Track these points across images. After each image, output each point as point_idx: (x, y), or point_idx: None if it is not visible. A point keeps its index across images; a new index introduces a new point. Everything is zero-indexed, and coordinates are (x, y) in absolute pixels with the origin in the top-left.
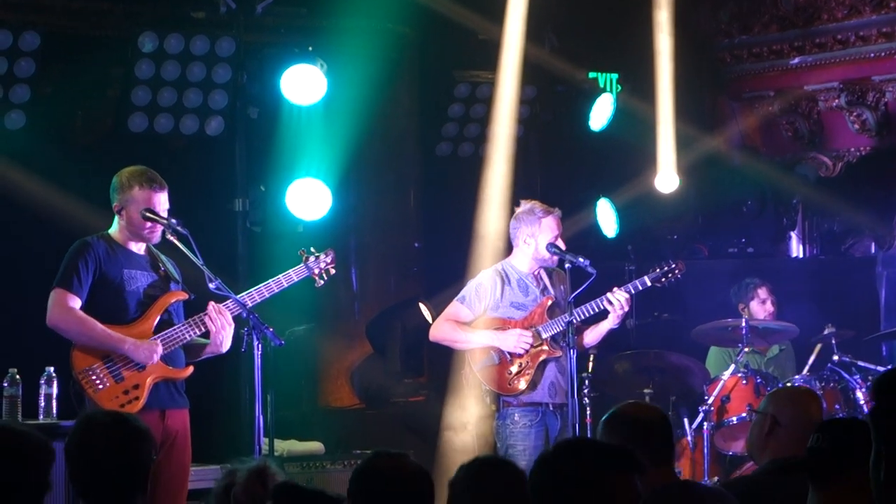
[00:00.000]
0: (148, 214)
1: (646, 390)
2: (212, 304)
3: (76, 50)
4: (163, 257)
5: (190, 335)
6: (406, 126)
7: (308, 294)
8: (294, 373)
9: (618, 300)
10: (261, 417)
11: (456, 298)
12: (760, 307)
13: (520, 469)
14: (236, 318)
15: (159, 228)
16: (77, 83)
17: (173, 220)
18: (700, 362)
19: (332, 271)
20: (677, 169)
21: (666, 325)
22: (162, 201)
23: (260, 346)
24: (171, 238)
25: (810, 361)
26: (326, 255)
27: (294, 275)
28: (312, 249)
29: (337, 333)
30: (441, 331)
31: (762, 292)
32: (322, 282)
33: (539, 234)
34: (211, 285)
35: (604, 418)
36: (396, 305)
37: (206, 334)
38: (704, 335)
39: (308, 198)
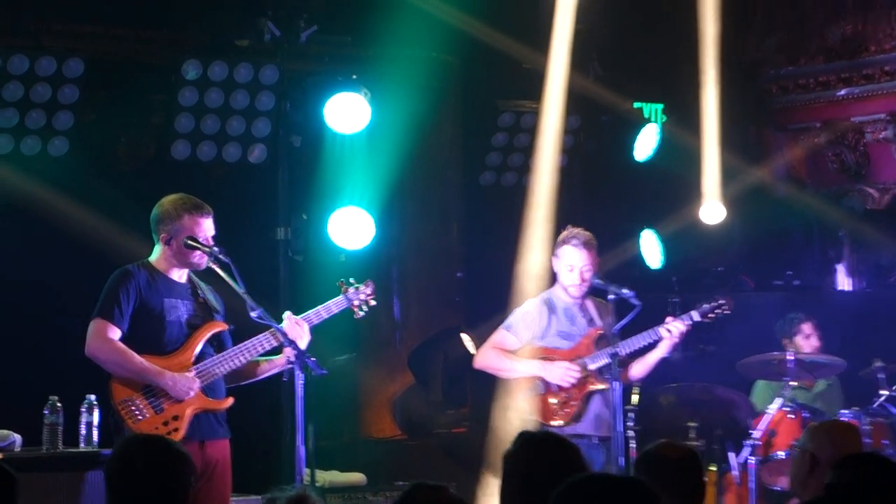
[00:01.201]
0: (190, 242)
1: (691, 423)
2: (288, 313)
3: (119, 77)
4: (203, 285)
5: (238, 363)
6: (449, 155)
7: (350, 323)
8: (336, 403)
9: (676, 328)
10: (302, 447)
11: (502, 326)
12: (805, 342)
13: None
14: (277, 349)
15: (206, 255)
16: (120, 110)
17: (216, 248)
18: (746, 396)
19: (372, 303)
20: (722, 200)
21: (711, 357)
22: (209, 227)
23: (302, 375)
24: (213, 266)
25: None
26: (366, 287)
27: (334, 307)
28: (352, 280)
29: (378, 363)
30: (486, 358)
31: (807, 328)
32: (361, 314)
33: (558, 263)
34: (253, 314)
35: (635, 459)
36: (438, 335)
37: (268, 353)
38: (750, 368)
39: (350, 227)
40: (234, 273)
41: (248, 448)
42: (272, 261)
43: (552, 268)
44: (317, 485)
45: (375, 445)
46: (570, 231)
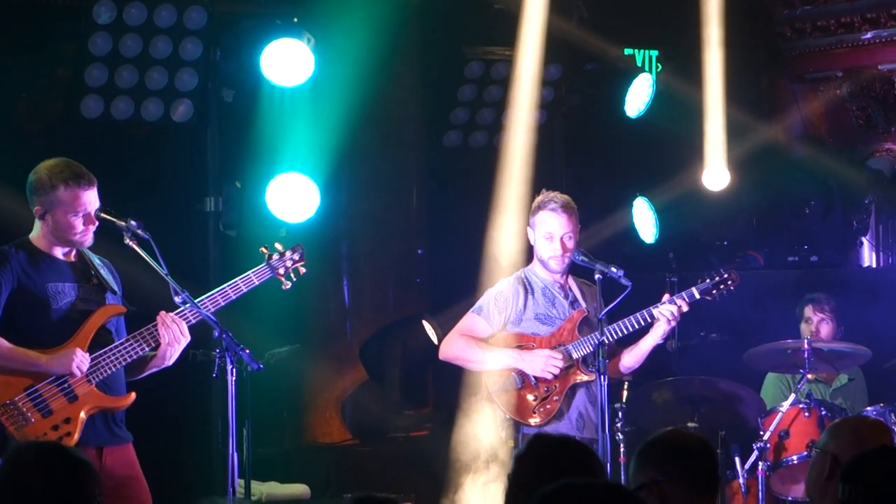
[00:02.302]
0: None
1: (690, 424)
2: (162, 313)
3: (19, 21)
4: (96, 261)
5: (136, 353)
6: (408, 112)
7: (292, 309)
8: (275, 402)
9: (673, 308)
10: (235, 455)
11: (471, 310)
12: (806, 328)
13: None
14: (205, 339)
15: (92, 229)
16: (21, 61)
17: (133, 222)
18: (754, 391)
19: (303, 270)
20: (728, 163)
21: (714, 346)
22: (91, 201)
23: (234, 370)
24: (131, 243)
25: None
26: (293, 252)
27: (255, 277)
28: (277, 245)
29: (326, 356)
30: (453, 347)
31: (808, 310)
32: (289, 283)
33: (534, 234)
34: (177, 299)
35: (637, 449)
36: (396, 323)
37: (157, 347)
38: (759, 359)
39: (292, 196)
40: (156, 251)
41: (171, 456)
42: (200, 236)
43: (528, 241)
44: (253, 499)
45: (322, 452)
46: (545, 195)
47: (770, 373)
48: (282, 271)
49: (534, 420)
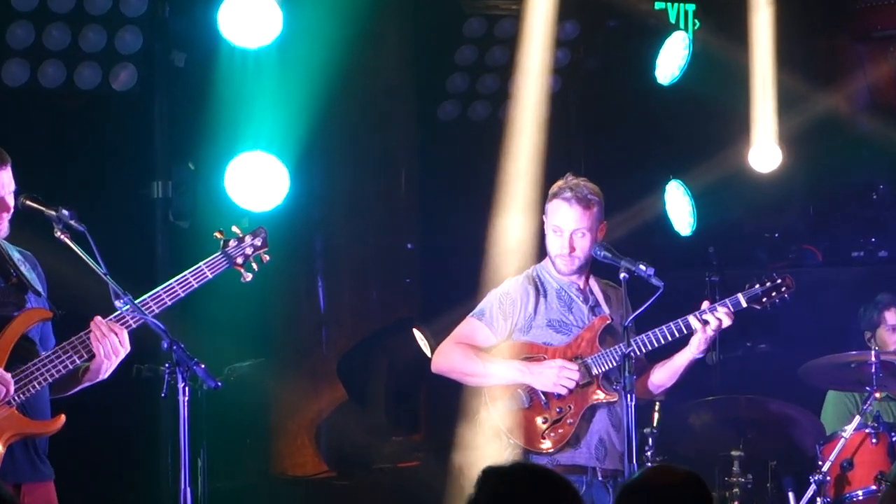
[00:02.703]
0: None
1: (734, 452)
2: (97, 319)
3: None
4: (14, 254)
5: (66, 367)
6: (395, 79)
7: (256, 315)
8: (236, 427)
9: (715, 318)
10: (188, 490)
11: (471, 314)
12: (891, 336)
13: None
14: (152, 351)
15: (6, 217)
16: None
17: (64, 211)
18: (812, 413)
19: (266, 258)
20: (779, 139)
21: (763, 359)
22: (5, 182)
23: (187, 389)
24: (62, 236)
25: None
26: (255, 237)
27: (208, 269)
28: (235, 230)
29: (297, 372)
30: (448, 358)
31: (891, 316)
32: (250, 275)
33: (547, 222)
34: (118, 302)
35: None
36: (381, 332)
37: (91, 359)
38: (818, 374)
39: (256, 180)
40: (92, 246)
41: (110, 494)
42: (145, 228)
43: (542, 233)
44: None
45: (292, 486)
46: (566, 181)
47: (830, 391)
48: (240, 260)
49: (544, 445)
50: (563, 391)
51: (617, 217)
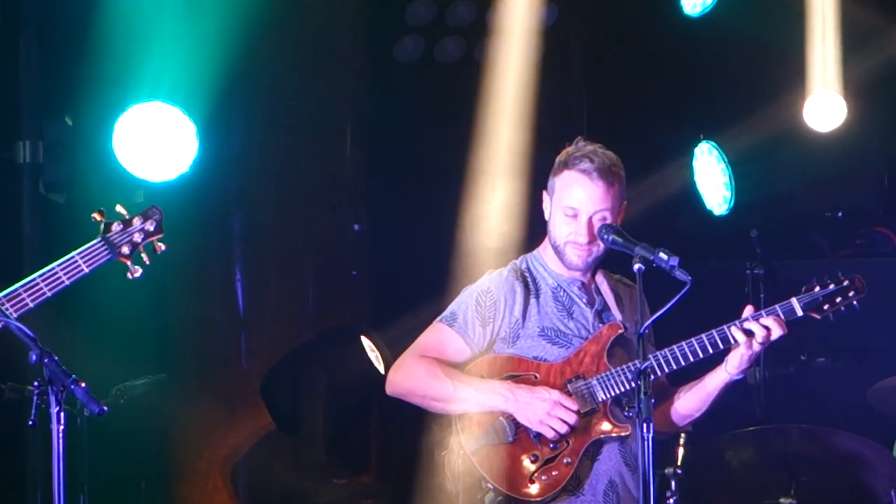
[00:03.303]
0: None
1: (783, 500)
2: None
3: None
4: None
5: None
6: (339, 7)
7: (152, 319)
8: (127, 465)
9: (762, 328)
10: None
11: (439, 319)
12: None
13: None
14: (17, 366)
15: None
16: None
17: None
18: (885, 448)
19: (161, 247)
20: (844, 90)
21: (822, 378)
22: None
23: (62, 415)
24: None
25: None
26: (145, 220)
27: (83, 260)
28: (120, 209)
29: (208, 393)
30: (410, 377)
31: None
32: (139, 270)
33: (554, 199)
34: None
35: None
36: (318, 341)
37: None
38: (892, 398)
39: (154, 140)
40: None
41: None
42: (9, 201)
43: (538, 213)
44: None
45: None
46: (578, 147)
47: None
48: (126, 250)
49: (533, 491)
50: (551, 434)
51: (630, 191)
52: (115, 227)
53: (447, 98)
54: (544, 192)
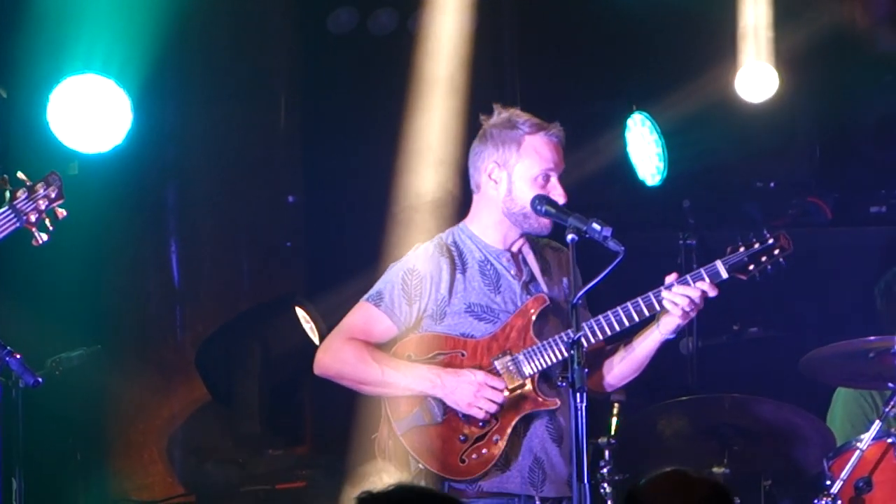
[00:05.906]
0: None
1: (716, 469)
2: None
3: None
4: None
5: None
6: None
7: (87, 291)
8: (62, 438)
9: (688, 294)
10: None
11: (365, 297)
12: None
13: None
14: None
15: None
16: None
17: None
18: (817, 417)
19: (61, 214)
20: (775, 60)
21: (753, 347)
22: None
23: None
24: None
25: None
26: (47, 186)
27: None
28: (21, 176)
29: (142, 364)
30: (337, 360)
31: None
32: (45, 236)
33: (517, 167)
34: None
35: None
36: (252, 312)
37: None
38: (825, 367)
39: (88, 112)
40: None
41: None
42: None
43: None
44: None
45: None
46: (523, 113)
47: (841, 388)
48: (33, 217)
49: (462, 470)
50: (481, 415)
51: (563, 161)
52: (21, 194)
53: (381, 69)
54: (496, 153)
